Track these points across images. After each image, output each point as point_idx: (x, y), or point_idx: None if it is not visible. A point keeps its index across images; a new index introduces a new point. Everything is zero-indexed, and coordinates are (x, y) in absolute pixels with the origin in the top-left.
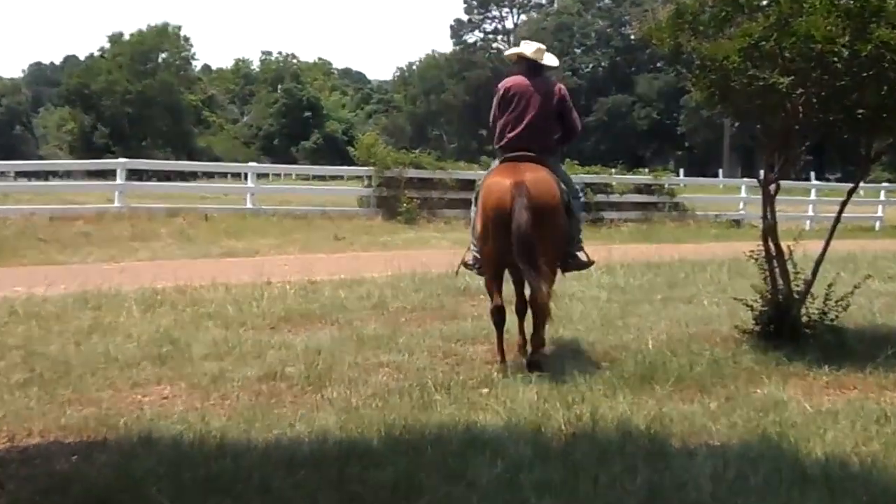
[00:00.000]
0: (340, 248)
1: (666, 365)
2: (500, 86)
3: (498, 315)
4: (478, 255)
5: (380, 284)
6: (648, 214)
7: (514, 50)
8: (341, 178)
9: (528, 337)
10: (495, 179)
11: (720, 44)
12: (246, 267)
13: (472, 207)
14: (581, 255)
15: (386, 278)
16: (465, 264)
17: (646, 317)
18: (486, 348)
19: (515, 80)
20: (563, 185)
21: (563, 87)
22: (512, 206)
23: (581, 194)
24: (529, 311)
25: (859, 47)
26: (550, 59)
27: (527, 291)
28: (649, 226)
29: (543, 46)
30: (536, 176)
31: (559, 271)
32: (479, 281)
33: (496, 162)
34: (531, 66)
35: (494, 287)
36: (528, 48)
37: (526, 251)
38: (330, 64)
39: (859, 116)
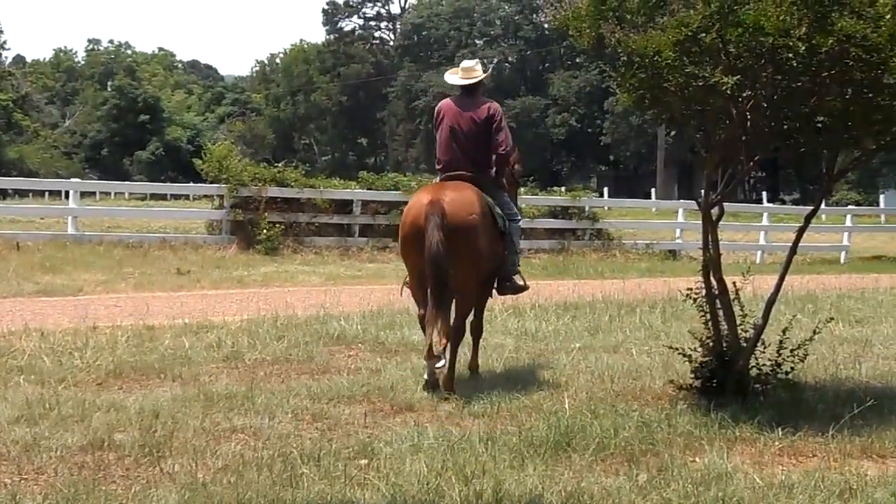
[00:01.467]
0: (184, 284)
1: (586, 429)
2: (436, 108)
3: (422, 323)
4: None
5: (233, 330)
6: (565, 243)
7: (448, 79)
8: (186, 197)
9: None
10: (416, 198)
11: (651, 36)
12: (66, 308)
13: None
14: (517, 278)
15: (241, 323)
16: (406, 283)
17: (562, 370)
18: (365, 409)
19: (446, 103)
20: (493, 206)
21: (493, 105)
22: (425, 224)
23: (518, 217)
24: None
25: (818, 41)
26: (465, 80)
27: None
28: (566, 257)
29: (474, 64)
30: (456, 195)
31: (493, 292)
32: (356, 326)
33: (439, 178)
34: (464, 88)
35: (420, 298)
36: (453, 79)
37: (435, 271)
38: (173, 56)
39: (819, 125)
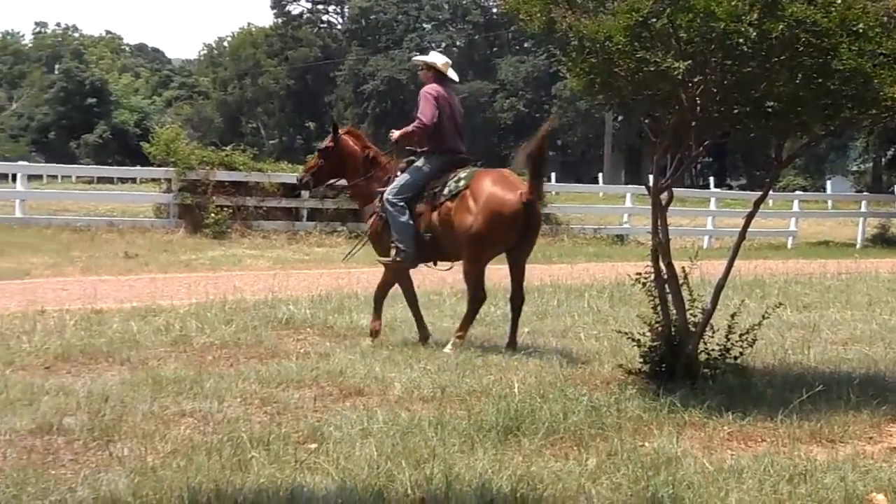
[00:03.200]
0: (132, 268)
1: (535, 413)
2: (429, 91)
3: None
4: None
5: (182, 314)
6: None
7: (424, 58)
8: (134, 181)
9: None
10: (499, 187)
11: (602, 21)
12: (14, 292)
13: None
14: None
15: (189, 307)
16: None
17: (511, 354)
18: (314, 393)
19: (442, 92)
20: None
21: None
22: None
23: None
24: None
25: (769, 27)
26: (453, 74)
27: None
28: None
29: (449, 60)
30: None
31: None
32: (305, 310)
33: (435, 160)
34: (440, 78)
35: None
36: (439, 60)
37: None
38: (120, 39)
39: (768, 110)
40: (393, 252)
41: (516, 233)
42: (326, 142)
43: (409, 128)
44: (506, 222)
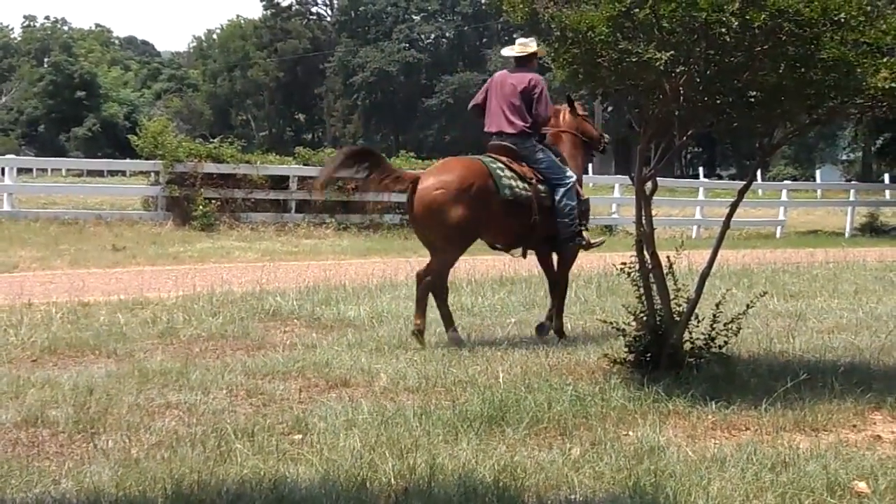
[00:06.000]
0: (120, 261)
1: (520, 403)
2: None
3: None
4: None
5: (169, 307)
6: None
7: (504, 52)
8: (123, 174)
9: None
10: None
11: (585, 12)
12: (1, 285)
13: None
14: (582, 237)
15: (176, 299)
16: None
17: (497, 344)
18: (299, 384)
19: (498, 73)
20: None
21: (535, 77)
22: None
23: (567, 180)
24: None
25: (751, 16)
26: (512, 51)
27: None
28: None
29: (528, 41)
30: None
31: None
32: (292, 302)
33: None
34: (516, 59)
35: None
36: (507, 51)
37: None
38: (110, 32)
39: (752, 100)
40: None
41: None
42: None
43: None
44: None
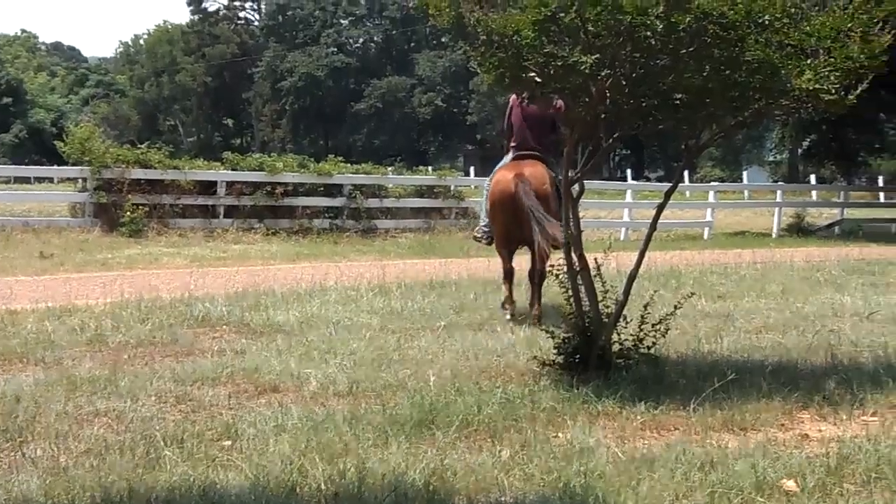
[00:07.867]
0: (47, 268)
1: (449, 406)
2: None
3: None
4: (486, 229)
5: (97, 314)
6: (431, 223)
7: None
8: (50, 180)
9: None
10: (500, 173)
11: (510, 15)
12: None
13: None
14: None
15: (105, 306)
16: (474, 237)
17: (426, 348)
18: (229, 390)
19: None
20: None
21: (559, 102)
22: (515, 191)
23: None
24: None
25: (676, 19)
26: None
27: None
28: (432, 236)
29: None
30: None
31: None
32: (221, 308)
33: None
34: None
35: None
36: None
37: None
38: (35, 37)
39: (677, 102)
40: None
41: None
42: None
43: None
44: None
